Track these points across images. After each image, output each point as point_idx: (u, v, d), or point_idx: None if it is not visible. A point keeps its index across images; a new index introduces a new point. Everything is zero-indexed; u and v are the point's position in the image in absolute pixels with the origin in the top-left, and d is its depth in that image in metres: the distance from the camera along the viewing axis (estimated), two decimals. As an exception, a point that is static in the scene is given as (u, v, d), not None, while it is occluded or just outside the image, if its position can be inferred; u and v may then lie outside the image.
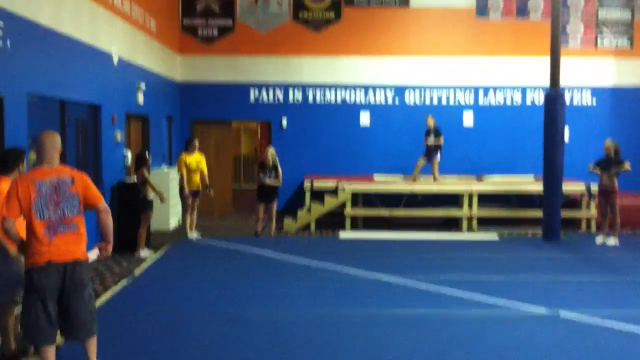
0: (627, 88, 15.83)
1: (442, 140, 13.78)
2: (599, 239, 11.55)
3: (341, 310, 7.00)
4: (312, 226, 13.10)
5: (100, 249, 5.05)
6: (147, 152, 10.71)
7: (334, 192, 13.32)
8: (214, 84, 15.78)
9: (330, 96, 15.91)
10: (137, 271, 9.02)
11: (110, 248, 5.05)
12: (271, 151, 12.10)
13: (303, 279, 8.56)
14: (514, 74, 15.81)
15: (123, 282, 8.28)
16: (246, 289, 8.02)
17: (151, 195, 10.19)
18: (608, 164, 11.33)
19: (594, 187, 12.28)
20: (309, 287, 8.14)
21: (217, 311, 6.98)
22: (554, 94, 11.79)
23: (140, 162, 10.22)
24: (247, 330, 6.32)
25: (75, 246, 4.77)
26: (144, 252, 10.15)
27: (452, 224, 13.48)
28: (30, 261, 4.67)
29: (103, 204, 4.99)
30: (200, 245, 11.12)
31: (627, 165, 11.20)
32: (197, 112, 15.84)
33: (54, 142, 4.89)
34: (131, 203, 10.24)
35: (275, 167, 11.92)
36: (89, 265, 4.91)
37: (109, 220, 4.99)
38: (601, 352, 5.72)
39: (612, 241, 11.38)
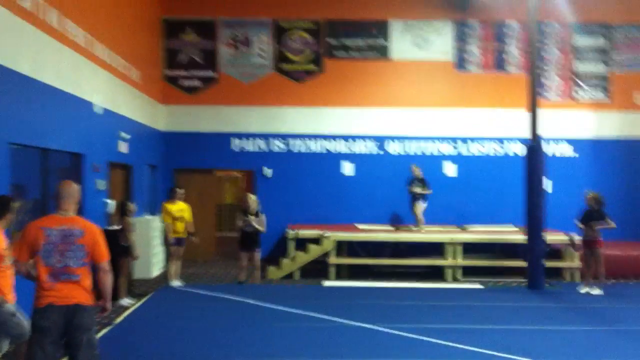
0: (607, 139, 16.10)
1: (428, 190, 13.97)
2: (583, 289, 11.56)
3: (326, 358, 6.88)
4: (297, 274, 13.01)
5: (100, 307, 5.13)
6: (130, 201, 10.68)
7: (318, 240, 13.27)
8: (197, 134, 15.86)
9: (312, 146, 16.00)
10: (119, 319, 8.86)
11: (108, 305, 5.18)
12: (252, 198, 12.08)
13: (287, 327, 8.43)
14: (494, 126, 16.05)
15: (104, 331, 8.11)
16: (229, 336, 7.89)
17: (127, 243, 10.17)
18: (590, 215, 11.43)
19: (577, 238, 12.33)
20: (293, 335, 8.01)
21: (200, 358, 6.85)
22: (533, 144, 11.93)
23: (123, 210, 10.23)
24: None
25: (78, 292, 4.91)
26: (126, 300, 10.03)
27: (436, 274, 13.43)
28: (35, 303, 4.90)
29: (105, 264, 5.10)
30: (183, 293, 10.96)
31: (611, 223, 11.29)
32: (180, 161, 15.85)
33: (71, 192, 5.11)
34: (112, 251, 10.12)
35: (257, 214, 11.87)
36: (92, 311, 4.99)
37: (106, 281, 5.10)
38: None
39: (596, 291, 11.38)
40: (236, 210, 12.74)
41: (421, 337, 7.84)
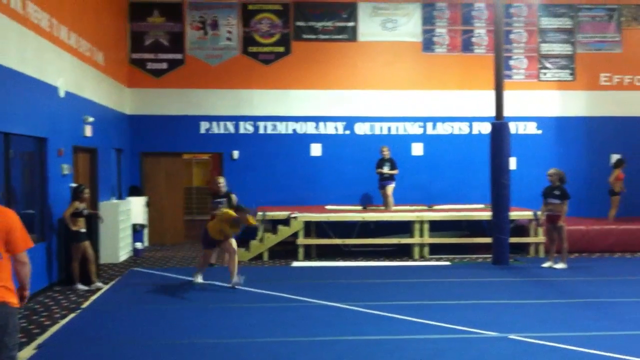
0: (571, 117, 16.35)
1: (397, 171, 14.15)
2: (547, 263, 11.81)
3: (295, 337, 6.96)
4: (265, 256, 13.07)
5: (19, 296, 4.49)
6: (82, 185, 10.42)
7: (287, 222, 13.32)
8: (165, 117, 15.75)
9: (281, 128, 16.01)
10: (86, 304, 8.84)
11: (26, 294, 4.55)
12: (221, 180, 12.08)
13: (256, 308, 8.49)
14: (462, 106, 16.18)
15: (71, 316, 8.10)
16: (199, 318, 7.93)
17: (81, 228, 10.09)
18: (552, 190, 11.68)
19: (540, 213, 12.56)
20: (262, 315, 8.07)
21: (169, 340, 6.86)
22: (499, 124, 12.10)
23: (74, 194, 10.14)
24: (201, 357, 6.24)
25: None
26: (82, 286, 10.03)
27: (405, 252, 13.58)
28: None
29: (23, 255, 4.42)
30: (151, 277, 10.94)
31: (564, 207, 11.54)
32: (147, 145, 15.74)
33: None
34: (65, 236, 10.16)
35: (227, 195, 11.90)
36: (9, 309, 4.28)
37: (22, 272, 4.45)
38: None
39: (560, 265, 11.63)
40: (205, 193, 12.73)
41: (390, 314, 7.96)
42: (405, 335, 7.04)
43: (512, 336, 6.89)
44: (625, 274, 11.11)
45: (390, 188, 14.45)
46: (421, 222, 13.28)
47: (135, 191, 15.16)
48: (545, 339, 6.72)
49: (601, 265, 12.14)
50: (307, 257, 13.23)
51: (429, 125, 16.24)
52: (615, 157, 15.38)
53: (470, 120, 16.22)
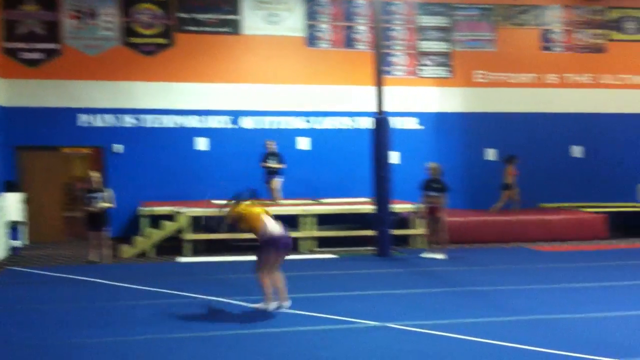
0: (449, 113, 17.03)
1: (283, 165, 14.23)
2: (427, 254, 12.27)
3: (176, 332, 6.88)
4: (151, 252, 12.82)
5: None
6: None
7: (172, 217, 13.10)
8: (41, 109, 15.05)
9: (165, 121, 15.70)
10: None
11: None
12: (96, 175, 11.83)
13: (141, 305, 8.31)
14: (345, 101, 16.48)
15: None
16: (78, 317, 7.66)
17: None
18: (432, 183, 12.16)
19: (421, 206, 13.02)
20: (143, 311, 7.91)
21: (46, 338, 6.60)
22: (379, 118, 12.44)
23: None
24: (78, 354, 6.05)
25: None
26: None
27: (293, 246, 13.65)
28: None
29: None
30: (30, 275, 10.46)
31: (442, 199, 12.07)
32: (23, 138, 14.98)
33: None
34: None
35: (101, 191, 11.68)
36: None
37: None
38: (424, 356, 6.05)
39: (440, 255, 12.12)
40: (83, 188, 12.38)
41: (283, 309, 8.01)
42: (288, 327, 7.12)
43: (391, 325, 7.13)
44: (500, 263, 11.73)
45: (277, 182, 14.52)
46: (308, 216, 13.44)
47: (11, 187, 14.41)
48: (422, 327, 6.99)
49: (478, 256, 12.73)
50: (196, 252, 13.07)
51: (315, 119, 16.44)
52: (491, 152, 16.19)
53: (354, 115, 16.55)
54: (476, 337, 6.57)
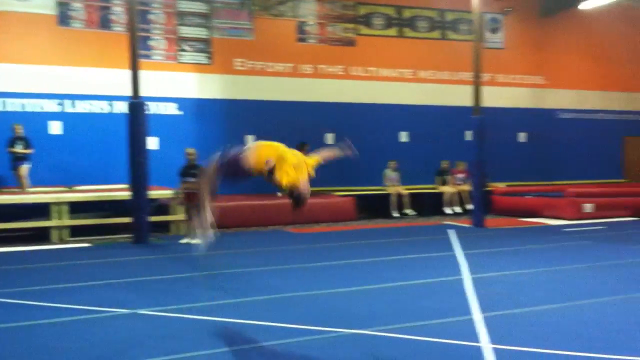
0: (209, 99, 17.19)
1: (31, 150, 13.42)
2: (185, 239, 12.35)
3: None
4: None
5: None
6: None
7: None
8: None
9: None
10: None
11: None
12: None
13: None
14: (101, 85, 15.92)
15: None
16: None
17: None
18: (190, 169, 12.27)
19: (179, 191, 13.03)
20: None
21: None
22: (135, 103, 12.22)
23: None
24: None
25: None
26: None
27: (44, 236, 12.98)
28: None
29: None
30: None
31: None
32: None
33: None
34: None
35: None
36: None
37: None
38: (172, 339, 6.11)
39: (199, 240, 12.22)
40: None
41: (19, 301, 7.58)
42: (36, 320, 6.79)
43: (141, 311, 7.10)
44: (258, 246, 12.19)
45: (25, 168, 13.67)
46: (60, 204, 12.82)
47: None
48: (174, 312, 7.06)
49: (238, 239, 13.09)
50: None
51: (68, 103, 15.68)
52: (251, 139, 16.60)
53: (110, 99, 16.06)
54: (228, 317, 6.77)
